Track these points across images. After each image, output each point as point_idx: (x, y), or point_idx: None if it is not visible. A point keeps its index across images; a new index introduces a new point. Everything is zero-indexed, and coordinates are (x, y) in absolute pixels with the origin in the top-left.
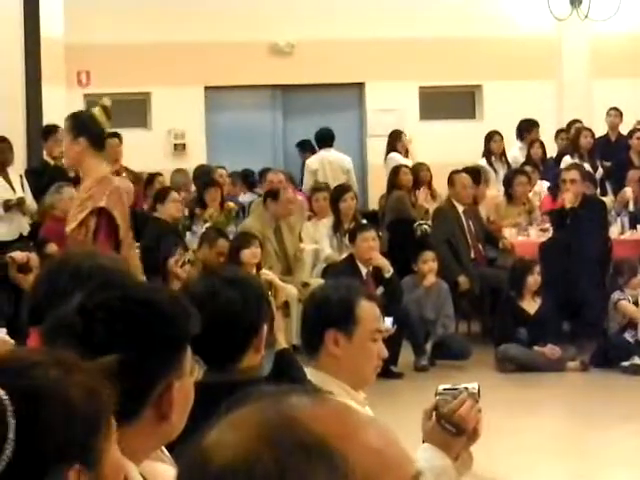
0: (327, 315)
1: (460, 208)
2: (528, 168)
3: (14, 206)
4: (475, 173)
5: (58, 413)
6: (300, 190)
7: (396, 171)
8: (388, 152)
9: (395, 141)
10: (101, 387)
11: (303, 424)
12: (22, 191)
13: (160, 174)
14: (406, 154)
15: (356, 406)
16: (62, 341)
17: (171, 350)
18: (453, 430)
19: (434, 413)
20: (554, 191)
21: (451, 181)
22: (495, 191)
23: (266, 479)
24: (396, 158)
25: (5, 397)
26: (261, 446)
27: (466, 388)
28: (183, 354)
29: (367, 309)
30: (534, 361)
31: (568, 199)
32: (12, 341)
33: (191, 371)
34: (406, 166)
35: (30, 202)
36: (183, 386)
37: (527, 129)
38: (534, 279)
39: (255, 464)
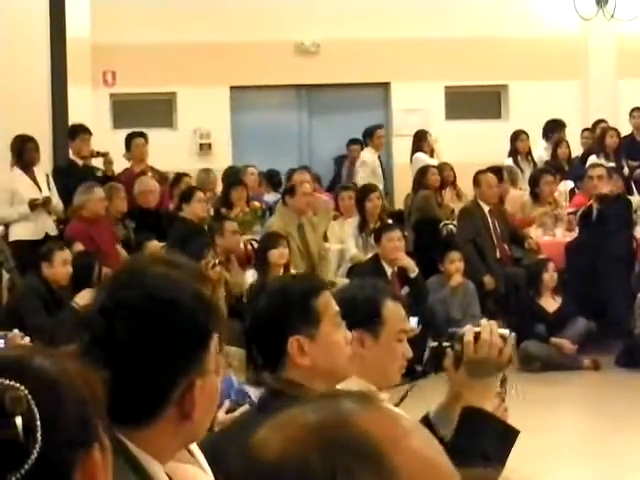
0: (353, 315)
1: (486, 208)
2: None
3: (40, 205)
4: (497, 172)
5: (70, 398)
6: (327, 190)
7: (424, 171)
8: (414, 152)
9: (420, 141)
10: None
11: (355, 426)
12: (48, 191)
13: (187, 175)
14: (431, 154)
15: None
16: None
17: (192, 348)
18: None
19: None
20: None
21: (477, 181)
22: (519, 191)
23: (316, 477)
24: (422, 158)
25: (20, 386)
26: (312, 445)
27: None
28: (205, 352)
29: (393, 309)
30: (553, 357)
31: (605, 190)
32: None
33: (217, 369)
34: (434, 166)
35: (56, 202)
36: (206, 384)
37: (554, 130)
38: (550, 276)
39: (306, 462)
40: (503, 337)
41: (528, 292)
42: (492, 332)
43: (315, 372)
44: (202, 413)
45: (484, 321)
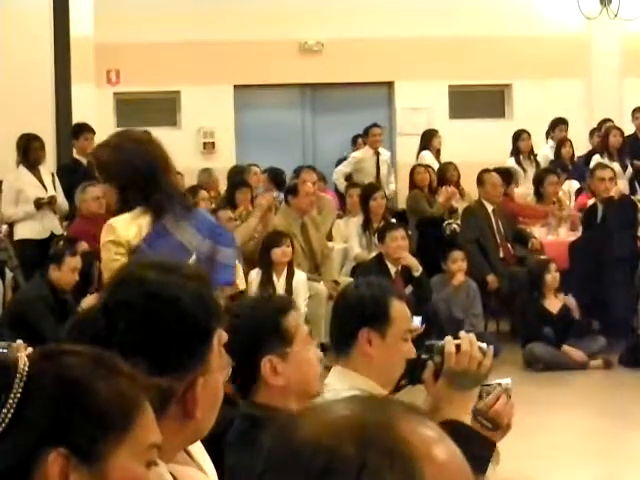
0: (361, 314)
1: (489, 207)
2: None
3: (45, 204)
4: (505, 174)
5: (69, 396)
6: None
7: (411, 171)
8: (420, 151)
9: (427, 140)
10: (135, 395)
11: (396, 429)
12: (53, 189)
13: (179, 173)
14: (437, 153)
15: None
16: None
17: (193, 346)
18: (489, 425)
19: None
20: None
21: (481, 180)
22: (524, 190)
23: (345, 467)
24: (425, 157)
25: (23, 367)
26: (349, 436)
27: (499, 384)
28: (207, 350)
29: (400, 309)
30: (559, 359)
31: (615, 192)
32: None
33: (221, 368)
34: (420, 164)
35: (61, 201)
36: (209, 382)
37: (552, 126)
38: (552, 277)
39: (338, 450)
40: (482, 350)
41: (531, 293)
42: (472, 344)
43: (288, 392)
44: (205, 411)
45: (463, 333)
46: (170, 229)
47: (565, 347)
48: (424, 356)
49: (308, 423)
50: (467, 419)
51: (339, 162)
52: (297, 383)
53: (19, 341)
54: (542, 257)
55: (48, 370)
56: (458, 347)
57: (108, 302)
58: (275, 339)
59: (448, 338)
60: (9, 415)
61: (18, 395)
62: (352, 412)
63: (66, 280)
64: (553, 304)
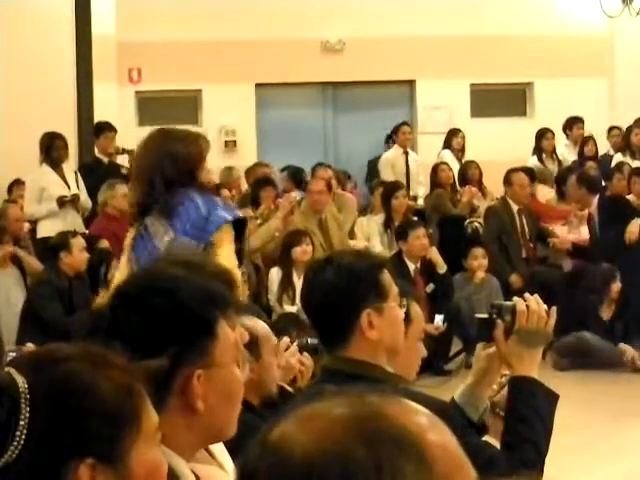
0: None
1: (515, 207)
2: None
3: (68, 202)
4: (528, 173)
5: (79, 405)
6: (355, 188)
7: (435, 169)
8: (443, 149)
9: (450, 139)
10: (133, 384)
11: (392, 418)
12: (77, 188)
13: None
14: (459, 152)
15: None
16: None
17: (190, 338)
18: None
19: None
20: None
21: (508, 180)
22: (546, 189)
23: (362, 473)
24: (445, 156)
25: (24, 386)
26: (353, 438)
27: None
28: (209, 343)
29: (417, 309)
30: (612, 355)
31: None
32: None
33: (236, 361)
34: (445, 163)
35: (84, 199)
36: (216, 376)
37: (568, 125)
38: (617, 286)
39: (349, 456)
40: (546, 311)
41: (587, 297)
42: (539, 304)
43: (379, 347)
44: (215, 406)
45: (528, 295)
46: (150, 231)
47: (622, 345)
48: (494, 316)
49: (298, 438)
50: (535, 374)
51: (371, 163)
52: (388, 339)
53: (29, 344)
54: (607, 265)
55: (49, 384)
56: (527, 307)
57: (113, 295)
58: (373, 293)
59: (516, 298)
60: (23, 436)
61: (27, 415)
62: (340, 413)
63: (78, 261)
64: (607, 313)
